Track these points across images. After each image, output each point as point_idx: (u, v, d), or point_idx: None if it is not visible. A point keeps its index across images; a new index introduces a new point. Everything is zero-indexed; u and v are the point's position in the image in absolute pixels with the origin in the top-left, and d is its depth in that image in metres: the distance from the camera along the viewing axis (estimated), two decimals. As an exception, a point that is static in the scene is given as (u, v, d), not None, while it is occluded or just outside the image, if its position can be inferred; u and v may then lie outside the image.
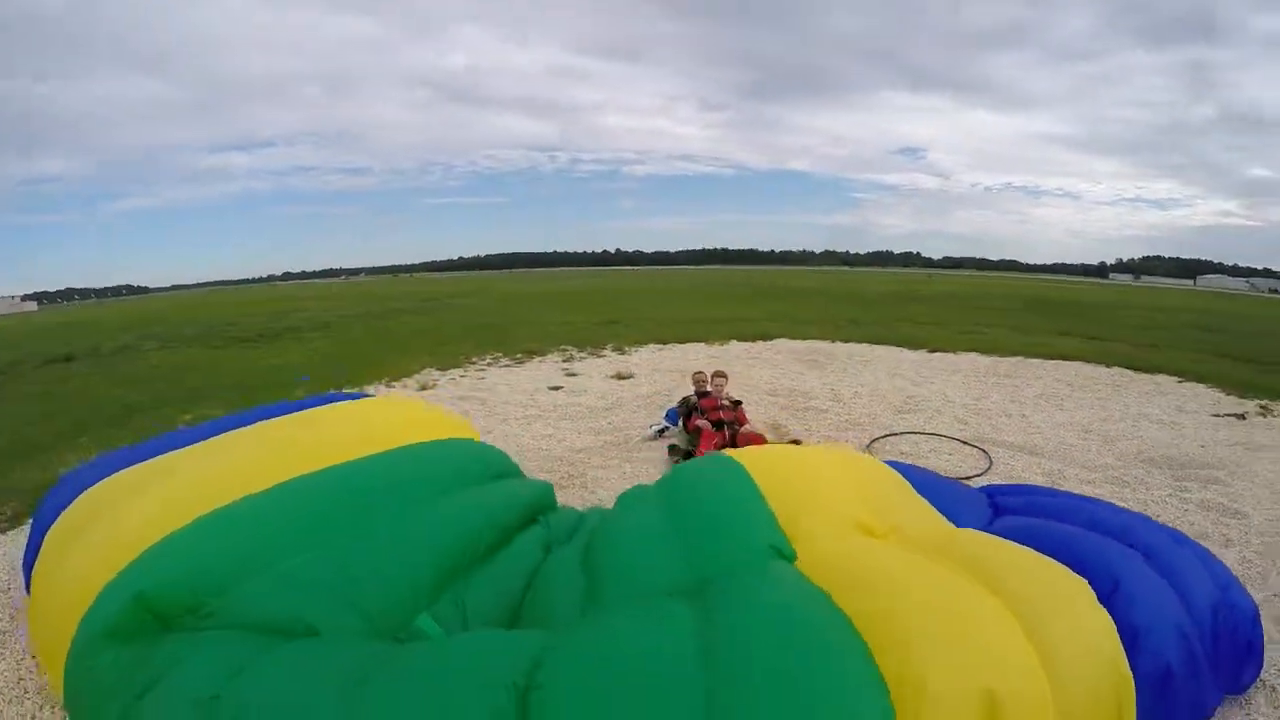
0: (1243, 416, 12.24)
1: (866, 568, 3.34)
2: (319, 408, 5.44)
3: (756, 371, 14.27)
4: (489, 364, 15.21)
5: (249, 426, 4.87)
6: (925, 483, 5.03)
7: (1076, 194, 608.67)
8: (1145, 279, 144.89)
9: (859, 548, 3.68)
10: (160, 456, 4.36)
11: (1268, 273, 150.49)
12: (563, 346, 17.54)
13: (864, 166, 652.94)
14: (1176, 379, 14.98)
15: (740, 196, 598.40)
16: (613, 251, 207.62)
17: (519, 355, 16.29)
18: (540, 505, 4.75)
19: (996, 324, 24.62)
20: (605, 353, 16.82)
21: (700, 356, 16.26)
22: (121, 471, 4.12)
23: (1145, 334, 23.79)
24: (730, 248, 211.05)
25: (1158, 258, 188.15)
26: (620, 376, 13.59)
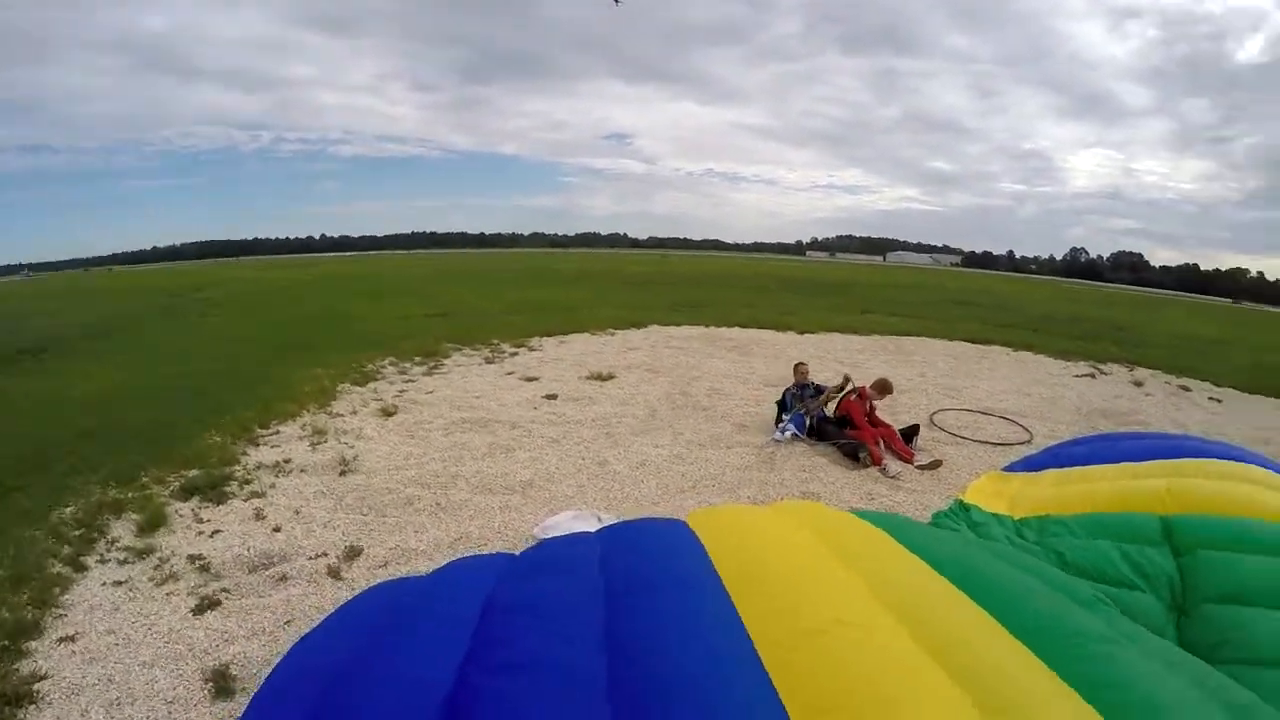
0: (1093, 376, 14.50)
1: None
2: None
3: (709, 363, 13.64)
4: (400, 374, 12.09)
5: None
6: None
7: (773, 180, 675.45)
8: (840, 256, 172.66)
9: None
10: None
11: (945, 249, 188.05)
12: (448, 345, 14.56)
13: (573, 151, 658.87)
14: (1009, 349, 17.31)
15: (448, 179, 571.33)
16: (317, 237, 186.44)
17: (417, 359, 13.15)
18: None
19: (804, 306, 26.26)
20: (509, 349, 14.43)
21: (618, 348, 14.96)
22: None
23: (928, 309, 27.04)
24: (439, 231, 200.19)
25: (850, 237, 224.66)
26: (599, 378, 11.79)
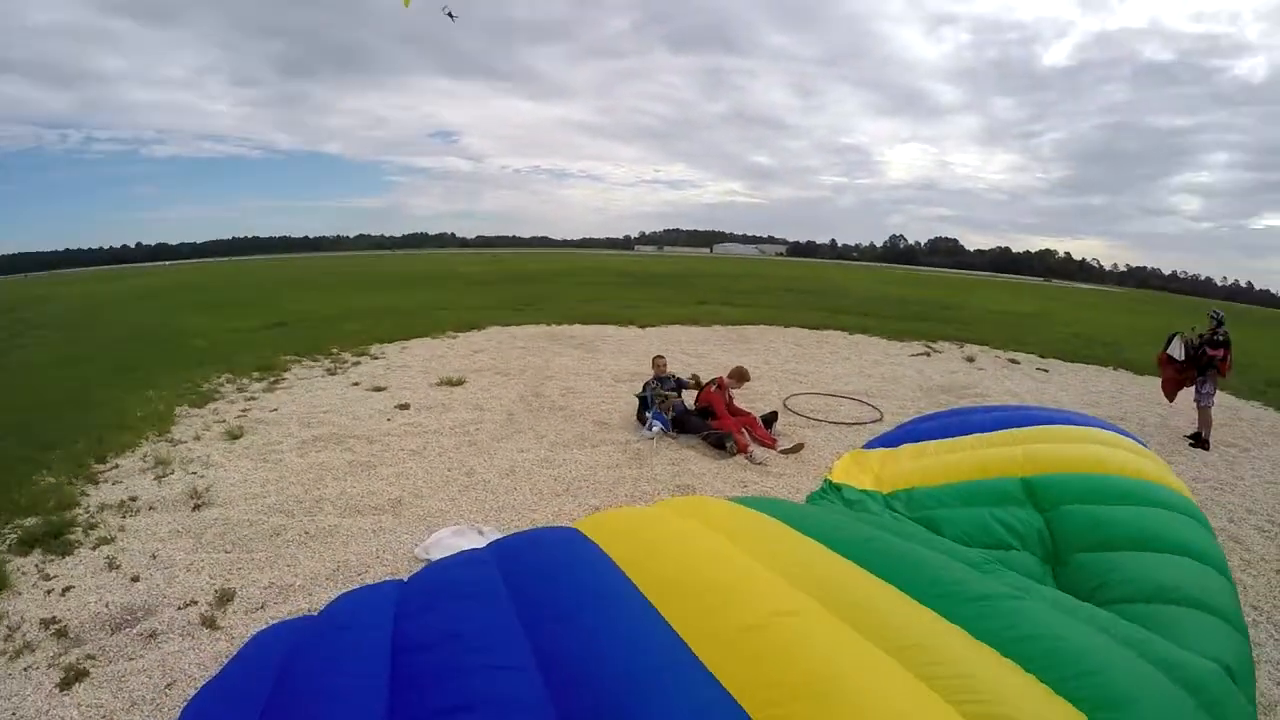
0: (928, 354, 15.67)
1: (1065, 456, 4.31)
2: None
3: (558, 361, 13.78)
4: (240, 391, 11.18)
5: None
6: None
7: (600, 176, 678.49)
8: (668, 249, 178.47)
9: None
10: None
11: (771, 239, 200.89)
12: (287, 357, 13.60)
13: (398, 149, 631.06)
14: (845, 333, 18.54)
15: (270, 180, 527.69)
16: (133, 246, 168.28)
17: (256, 374, 12.23)
18: None
19: (641, 300, 26.71)
20: (351, 358, 13.77)
21: (463, 351, 14.69)
22: None
23: (762, 298, 28.56)
24: (262, 235, 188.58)
25: (677, 230, 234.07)
26: (450, 383, 11.54)
